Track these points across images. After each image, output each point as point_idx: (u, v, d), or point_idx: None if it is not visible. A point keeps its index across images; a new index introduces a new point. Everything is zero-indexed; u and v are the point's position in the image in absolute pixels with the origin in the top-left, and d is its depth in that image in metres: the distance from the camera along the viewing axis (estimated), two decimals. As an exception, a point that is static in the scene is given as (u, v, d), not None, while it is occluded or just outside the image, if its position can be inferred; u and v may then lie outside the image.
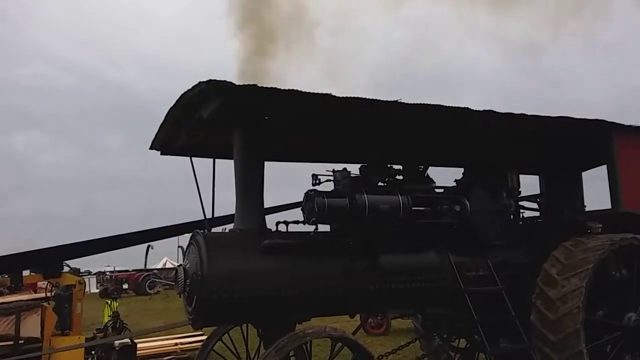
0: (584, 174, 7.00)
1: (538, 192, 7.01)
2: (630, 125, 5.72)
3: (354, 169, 4.95)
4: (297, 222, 4.73)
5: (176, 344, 9.72)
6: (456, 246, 5.20)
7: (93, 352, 6.66)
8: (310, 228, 4.67)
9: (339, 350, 4.14)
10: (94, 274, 37.49)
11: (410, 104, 4.41)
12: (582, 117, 5.34)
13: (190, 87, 4.17)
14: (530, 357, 4.93)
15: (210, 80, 3.81)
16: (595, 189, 6.82)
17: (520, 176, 6.11)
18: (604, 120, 5.49)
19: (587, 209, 6.58)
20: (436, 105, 4.51)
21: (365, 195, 4.56)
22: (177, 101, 4.50)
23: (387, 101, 4.29)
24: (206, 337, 5.73)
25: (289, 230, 4.68)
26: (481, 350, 6.38)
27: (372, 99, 4.22)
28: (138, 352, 7.64)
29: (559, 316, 4.81)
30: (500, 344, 5.25)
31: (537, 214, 6.64)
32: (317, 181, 4.66)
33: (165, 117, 4.85)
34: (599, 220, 5.83)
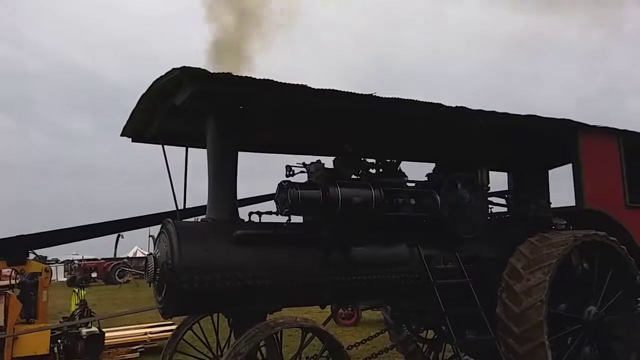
0: (550, 172, 7.22)
1: (506, 188, 7.20)
2: (596, 126, 5.91)
3: (328, 161, 4.98)
4: (270, 212, 4.74)
5: (145, 334, 9.62)
6: (426, 239, 5.29)
7: (59, 340, 6.53)
8: (283, 219, 4.69)
9: (310, 340, 4.18)
10: (62, 262, 36.68)
11: (385, 97, 4.45)
12: (550, 116, 5.49)
13: (163, 73, 4.11)
14: (494, 348, 5.08)
15: (183, 67, 3.76)
16: (560, 187, 7.04)
17: (490, 173, 6.23)
18: (571, 120, 5.66)
19: (552, 206, 6.79)
20: (410, 100, 4.57)
21: (339, 188, 4.60)
22: (150, 88, 4.43)
23: (361, 94, 4.32)
24: (176, 326, 5.70)
25: (262, 221, 4.68)
26: (448, 341, 6.53)
27: (347, 92, 4.25)
28: (106, 341, 7.54)
29: (523, 309, 4.96)
30: (466, 335, 5.39)
31: (505, 209, 6.81)
32: (291, 172, 4.67)
33: (137, 104, 4.76)
34: (563, 217, 6.02)
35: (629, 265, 5.64)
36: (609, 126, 6.06)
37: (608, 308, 5.44)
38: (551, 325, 5.00)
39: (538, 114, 5.39)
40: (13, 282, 6.77)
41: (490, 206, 6.24)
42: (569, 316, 5.36)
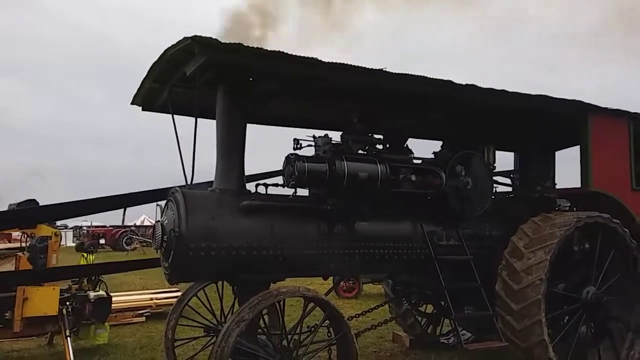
0: (557, 153, 7.20)
1: (512, 168, 7.20)
2: (606, 108, 5.87)
3: (336, 136, 5.00)
4: (276, 185, 4.80)
5: (151, 299, 9.83)
6: (430, 216, 5.35)
7: (68, 302, 6.69)
8: (289, 191, 4.75)
9: (311, 310, 4.28)
10: (71, 228, 37.18)
11: (395, 72, 4.44)
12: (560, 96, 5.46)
13: (174, 42, 4.12)
14: (492, 324, 5.18)
15: (195, 36, 3.76)
16: (566, 169, 7.04)
17: (497, 152, 6.23)
18: (581, 101, 5.62)
19: (557, 187, 6.80)
20: (420, 76, 4.55)
21: (345, 162, 4.63)
22: (161, 56, 4.44)
23: (371, 69, 4.31)
24: (181, 293, 5.83)
25: (268, 192, 4.74)
26: (446, 315, 6.66)
27: (357, 66, 4.24)
28: (113, 305, 7.72)
29: (522, 287, 5.04)
30: (465, 310, 5.50)
31: (509, 189, 6.83)
32: (299, 145, 4.70)
33: (148, 72, 4.79)
34: (568, 198, 6.04)
35: (630, 247, 5.68)
36: (620, 108, 6.02)
37: (607, 289, 5.51)
38: (550, 304, 5.09)
39: (548, 94, 5.36)
40: (23, 244, 6.91)
41: (495, 185, 6.26)
42: (568, 295, 5.44)
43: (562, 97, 5.48)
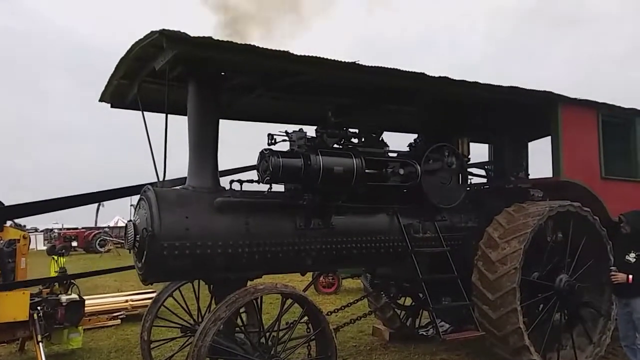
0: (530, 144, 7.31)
1: (487, 160, 7.29)
2: (576, 98, 5.98)
3: (311, 130, 4.96)
4: (251, 181, 4.73)
5: (127, 301, 9.64)
6: (406, 209, 5.37)
7: (39, 307, 6.49)
8: (264, 187, 4.69)
9: (290, 306, 4.24)
10: (41, 232, 36.25)
11: (368, 65, 4.41)
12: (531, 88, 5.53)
13: (142, 37, 4.00)
14: (469, 313, 5.24)
15: (163, 30, 3.65)
16: (539, 160, 7.17)
17: (471, 144, 6.29)
18: (551, 92, 5.71)
19: (530, 177, 6.92)
20: (393, 68, 4.54)
21: (320, 157, 4.60)
22: (128, 51, 4.31)
23: (344, 62, 4.28)
24: (157, 293, 5.72)
25: (243, 189, 4.67)
26: (424, 307, 6.71)
27: (330, 59, 4.20)
28: (87, 308, 7.53)
29: (497, 276, 5.11)
30: (442, 301, 5.54)
31: (484, 180, 6.92)
32: (273, 141, 4.64)
33: (116, 69, 4.65)
34: (541, 188, 6.14)
35: (601, 235, 5.81)
36: (589, 99, 6.14)
37: (579, 276, 5.63)
38: (525, 292, 5.18)
39: (520, 86, 5.43)
40: (-10, 249, 6.68)
41: (470, 177, 6.33)
42: (542, 283, 5.54)
43: (532, 88, 5.56)
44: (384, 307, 7.14)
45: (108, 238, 31.59)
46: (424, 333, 7.13)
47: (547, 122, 6.01)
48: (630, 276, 5.03)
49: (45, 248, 30.85)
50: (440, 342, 6.11)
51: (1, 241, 6.52)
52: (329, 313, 5.87)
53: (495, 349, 5.35)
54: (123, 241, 5.33)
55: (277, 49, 4.00)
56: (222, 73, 4.51)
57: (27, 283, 6.53)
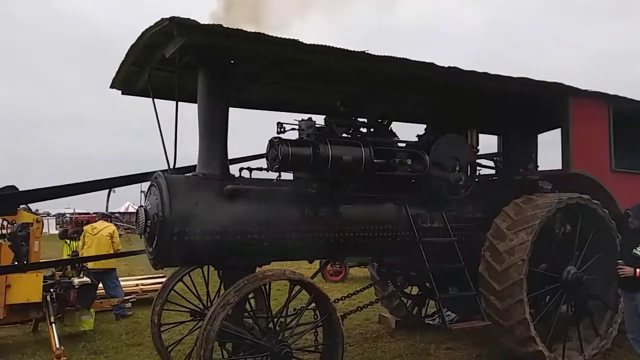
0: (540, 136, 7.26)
1: (496, 151, 7.26)
2: (586, 90, 5.92)
3: (320, 119, 4.98)
4: (260, 169, 4.78)
5: (137, 285, 9.81)
6: (414, 199, 5.38)
7: (52, 289, 6.64)
8: (273, 175, 4.73)
9: (297, 292, 4.30)
10: (53, 216, 36.73)
11: (378, 55, 4.41)
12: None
13: (152, 24, 4.03)
14: (475, 303, 5.27)
15: (173, 17, 3.67)
16: (548, 152, 7.13)
17: (480, 135, 6.27)
18: (562, 84, 5.66)
19: (539, 169, 6.88)
20: (403, 58, 4.52)
21: (329, 146, 4.62)
22: (139, 38, 4.34)
23: (354, 51, 4.27)
24: (167, 278, 5.81)
25: (252, 177, 4.72)
26: (431, 297, 6.76)
27: (339, 48, 4.19)
28: (99, 291, 7.68)
29: (505, 267, 5.12)
30: (449, 291, 5.57)
31: (493, 172, 6.90)
32: (282, 129, 4.66)
33: (126, 56, 4.68)
34: (550, 180, 6.12)
35: (610, 228, 5.79)
36: (600, 91, 6.08)
37: (587, 268, 5.63)
38: (532, 284, 5.18)
39: (529, 77, 5.39)
40: (4, 232, 6.81)
41: (478, 168, 6.31)
42: (549, 275, 5.54)
43: (543, 79, 5.51)
44: (391, 295, 7.19)
45: (119, 223, 31.90)
46: (430, 322, 7.18)
47: (557, 114, 5.97)
48: (638, 270, 5.02)
49: (57, 232, 31.25)
50: (446, 332, 6.14)
51: (15, 224, 6.66)
52: (336, 300, 5.93)
53: (501, 339, 5.38)
54: (134, 226, 5.41)
55: (286, 37, 4.01)
56: (232, 61, 4.53)
57: (40, 265, 6.66)
